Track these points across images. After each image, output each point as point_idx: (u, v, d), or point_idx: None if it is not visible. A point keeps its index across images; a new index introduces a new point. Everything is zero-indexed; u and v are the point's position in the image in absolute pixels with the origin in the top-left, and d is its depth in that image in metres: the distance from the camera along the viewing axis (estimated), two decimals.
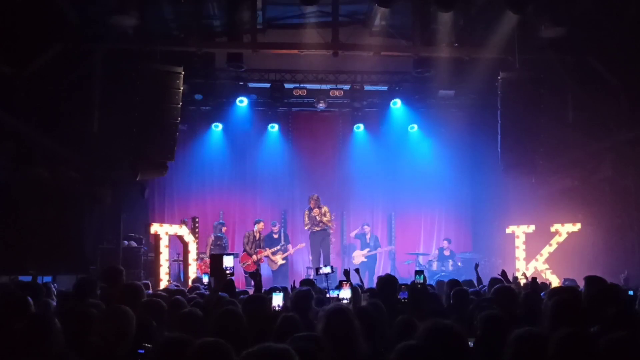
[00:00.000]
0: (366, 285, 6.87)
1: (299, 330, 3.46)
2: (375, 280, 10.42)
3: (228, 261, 4.63)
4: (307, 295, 4.72)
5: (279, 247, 11.72)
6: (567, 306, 3.52)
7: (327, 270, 6.31)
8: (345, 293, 4.92)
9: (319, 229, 11.44)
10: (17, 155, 8.59)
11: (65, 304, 4.52)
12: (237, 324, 3.63)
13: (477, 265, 7.56)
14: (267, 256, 11.55)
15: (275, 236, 11.90)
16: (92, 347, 3.25)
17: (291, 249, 11.78)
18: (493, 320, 3.18)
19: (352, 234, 12.42)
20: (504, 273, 6.41)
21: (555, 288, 5.97)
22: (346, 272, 5.64)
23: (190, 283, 9.07)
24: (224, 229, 11.79)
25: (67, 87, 9.06)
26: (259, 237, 11.46)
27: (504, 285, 5.22)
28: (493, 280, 6.15)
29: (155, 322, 3.94)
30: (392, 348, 2.61)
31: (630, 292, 5.52)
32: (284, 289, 5.66)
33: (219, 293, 4.89)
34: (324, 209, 11.53)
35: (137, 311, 3.71)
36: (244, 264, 11.39)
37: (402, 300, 4.96)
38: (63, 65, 9.06)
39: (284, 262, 11.65)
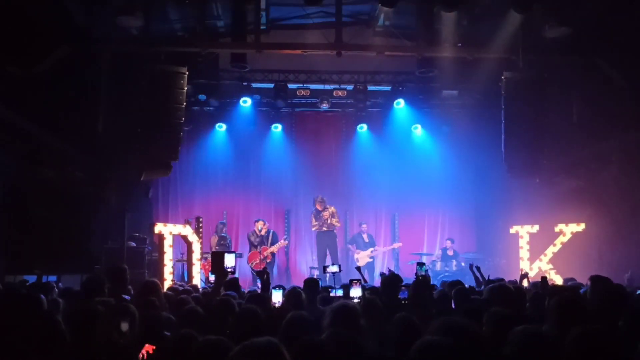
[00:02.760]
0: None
1: (308, 328, 3.46)
2: (375, 279, 10.47)
3: (229, 260, 4.56)
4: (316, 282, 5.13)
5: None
6: (571, 305, 3.51)
7: (335, 269, 6.31)
8: (356, 292, 4.94)
9: (326, 229, 11.53)
10: (25, 155, 8.63)
11: (73, 303, 4.54)
12: (256, 322, 3.65)
13: (471, 266, 7.32)
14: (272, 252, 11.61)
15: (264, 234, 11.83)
16: (100, 343, 3.27)
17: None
18: (502, 317, 3.17)
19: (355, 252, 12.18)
20: (523, 276, 6.39)
21: (556, 287, 5.98)
22: (358, 268, 5.69)
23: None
24: (224, 229, 11.82)
25: (73, 88, 9.10)
26: (263, 235, 11.56)
27: (499, 284, 5.21)
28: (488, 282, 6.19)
29: (162, 319, 3.97)
30: (393, 346, 2.59)
31: (638, 292, 5.49)
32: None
33: (226, 292, 4.91)
34: (333, 210, 11.61)
35: (152, 307, 3.74)
36: (252, 263, 11.40)
37: (403, 301, 4.96)
38: (70, 67, 9.10)
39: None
